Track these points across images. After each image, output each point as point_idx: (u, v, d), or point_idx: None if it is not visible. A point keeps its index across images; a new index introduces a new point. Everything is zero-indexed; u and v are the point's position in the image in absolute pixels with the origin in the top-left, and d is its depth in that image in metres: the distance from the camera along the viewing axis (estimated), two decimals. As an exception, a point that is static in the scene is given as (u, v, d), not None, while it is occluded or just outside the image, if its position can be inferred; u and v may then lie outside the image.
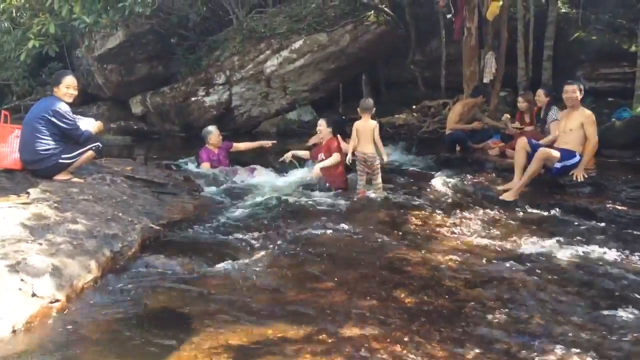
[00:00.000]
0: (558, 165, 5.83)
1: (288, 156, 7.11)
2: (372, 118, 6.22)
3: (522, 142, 6.05)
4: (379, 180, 6.07)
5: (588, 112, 5.92)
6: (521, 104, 8.01)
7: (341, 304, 3.29)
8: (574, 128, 5.88)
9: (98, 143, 5.28)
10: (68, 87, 5.05)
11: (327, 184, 6.41)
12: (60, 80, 5.06)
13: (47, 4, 10.58)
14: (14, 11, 12.52)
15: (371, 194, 5.99)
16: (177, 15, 12.53)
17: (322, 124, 6.72)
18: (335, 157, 6.39)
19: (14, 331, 2.79)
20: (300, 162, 7.32)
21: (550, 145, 6.22)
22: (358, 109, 6.19)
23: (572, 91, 5.89)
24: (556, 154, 5.81)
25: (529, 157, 5.89)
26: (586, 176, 5.80)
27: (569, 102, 5.95)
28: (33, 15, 11.70)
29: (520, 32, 10.54)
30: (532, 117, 7.90)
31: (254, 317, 3.08)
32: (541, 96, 7.57)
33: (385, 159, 6.23)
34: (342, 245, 4.41)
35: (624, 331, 2.93)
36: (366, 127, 6.05)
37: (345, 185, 6.47)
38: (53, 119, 4.90)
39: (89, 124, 5.39)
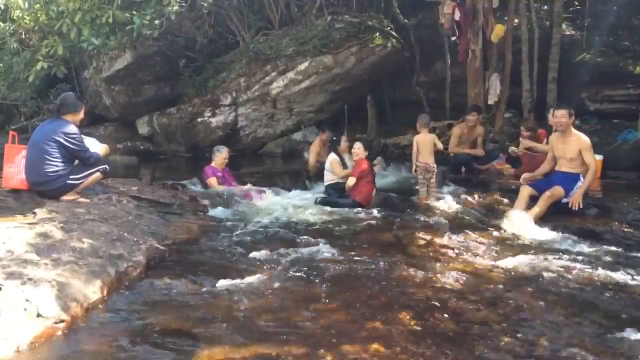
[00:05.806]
0: (565, 200, 5.81)
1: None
2: (430, 131, 7.34)
3: (524, 192, 6.02)
4: (434, 185, 7.06)
5: (584, 138, 5.87)
6: (524, 133, 7.50)
7: (345, 324, 3.27)
8: (574, 156, 5.83)
9: (106, 165, 5.34)
10: (84, 114, 5.36)
11: (350, 196, 6.70)
12: (82, 107, 5.28)
13: (55, 26, 10.71)
14: (23, 33, 12.67)
15: (431, 202, 6.78)
16: (184, 38, 12.66)
17: (359, 147, 6.80)
18: (349, 180, 6.70)
19: (18, 351, 2.78)
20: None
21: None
22: (417, 125, 7.12)
23: (561, 116, 5.89)
24: (560, 192, 5.78)
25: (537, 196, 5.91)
26: (581, 206, 5.67)
27: (559, 126, 5.94)
28: (42, 37, 11.86)
29: (524, 54, 10.57)
30: (539, 142, 7.50)
31: (257, 337, 3.07)
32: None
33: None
34: (347, 265, 4.40)
35: (631, 353, 2.90)
36: (426, 139, 7.00)
37: (366, 201, 6.65)
38: (63, 141, 4.94)
39: (92, 144, 5.44)
